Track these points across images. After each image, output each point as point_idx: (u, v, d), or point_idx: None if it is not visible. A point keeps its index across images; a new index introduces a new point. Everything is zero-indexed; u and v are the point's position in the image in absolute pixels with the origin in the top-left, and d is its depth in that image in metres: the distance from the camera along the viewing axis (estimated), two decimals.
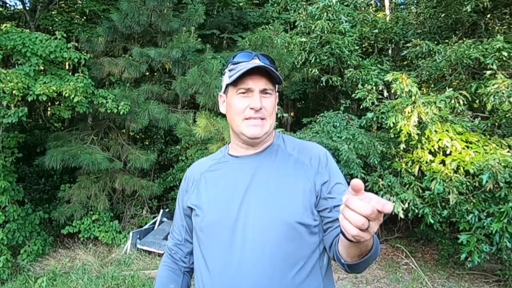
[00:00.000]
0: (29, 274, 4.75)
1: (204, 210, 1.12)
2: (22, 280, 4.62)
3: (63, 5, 7.40)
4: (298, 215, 1.02)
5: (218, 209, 1.09)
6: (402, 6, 9.32)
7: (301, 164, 1.12)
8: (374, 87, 5.14)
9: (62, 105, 5.58)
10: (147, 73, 6.42)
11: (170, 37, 5.75)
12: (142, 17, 5.64)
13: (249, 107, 1.08)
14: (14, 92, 4.86)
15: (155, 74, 6.49)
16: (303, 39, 5.89)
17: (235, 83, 1.10)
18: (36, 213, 5.35)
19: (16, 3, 7.37)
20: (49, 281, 4.57)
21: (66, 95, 5.07)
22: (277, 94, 1.20)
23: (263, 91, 1.09)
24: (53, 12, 7.12)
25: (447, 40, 5.57)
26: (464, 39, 5.25)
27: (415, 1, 7.47)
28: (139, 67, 5.71)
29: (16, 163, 5.47)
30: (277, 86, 1.17)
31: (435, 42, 5.62)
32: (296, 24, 6.45)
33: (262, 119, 1.09)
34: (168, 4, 5.94)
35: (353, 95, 5.36)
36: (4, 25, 5.86)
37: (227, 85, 1.14)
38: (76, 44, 5.86)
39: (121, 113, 5.33)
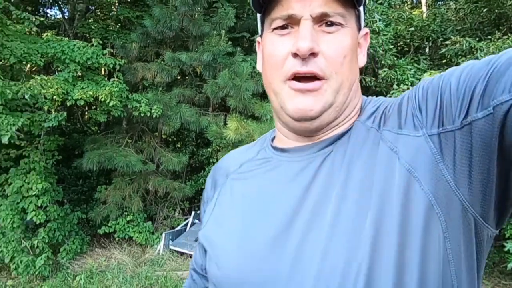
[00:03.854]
0: (68, 272, 5.00)
1: (219, 256, 0.66)
2: (61, 277, 4.87)
3: (99, 13, 7.78)
4: (404, 259, 0.50)
5: (246, 258, 0.61)
6: (440, 3, 9.01)
7: (380, 139, 0.58)
8: (411, 87, 5.00)
9: (98, 109, 5.84)
10: (179, 77, 6.59)
11: (201, 41, 5.88)
12: (173, 22, 5.80)
13: (292, 53, 0.58)
14: (54, 97, 5.13)
15: (187, 77, 6.66)
16: None
17: (268, 10, 0.61)
18: (75, 213, 5.64)
19: (56, 13, 7.82)
20: (86, 279, 4.79)
21: (102, 99, 5.29)
22: (364, 29, 0.67)
23: (321, 19, 0.58)
24: (89, 20, 7.48)
25: (489, 37, 5.32)
26: (509, 34, 4.99)
27: None
28: (171, 71, 5.88)
29: (56, 165, 5.78)
30: (359, 9, 0.63)
31: (477, 39, 5.38)
32: None
33: (317, 78, 0.58)
34: (199, 8, 6.08)
35: (388, 95, 5.24)
36: (45, 34, 6.21)
37: (262, 18, 0.66)
38: (111, 50, 6.12)
39: (154, 116, 5.50)
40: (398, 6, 7.85)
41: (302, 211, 0.58)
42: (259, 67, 0.71)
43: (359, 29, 0.65)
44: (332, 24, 0.58)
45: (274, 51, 0.61)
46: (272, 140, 0.73)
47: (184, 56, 5.56)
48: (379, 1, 6.78)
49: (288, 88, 0.60)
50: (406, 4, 9.16)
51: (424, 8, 7.73)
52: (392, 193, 0.53)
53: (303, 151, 0.64)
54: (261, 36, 0.68)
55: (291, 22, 0.59)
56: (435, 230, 0.51)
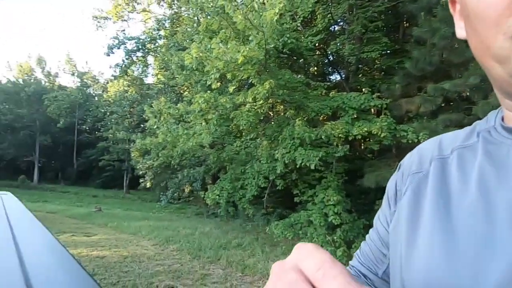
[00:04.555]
0: None
1: (418, 269, 0.36)
2: None
3: (366, 68, 8.14)
4: None
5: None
6: None
7: None
8: None
9: (371, 140, 5.97)
10: (443, 105, 5.73)
11: (465, 67, 4.90)
12: (433, 57, 5.20)
13: None
14: (340, 135, 5.71)
15: (451, 103, 5.68)
16: None
17: None
18: (360, 220, 5.86)
19: (335, 77, 8.84)
20: None
21: (374, 132, 5.39)
22: None
23: None
24: (359, 76, 7.94)
25: None
26: None
27: None
28: (434, 101, 5.22)
29: (344, 183, 6.26)
30: None
31: None
32: None
33: None
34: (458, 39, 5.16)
35: None
36: (331, 93, 7.13)
37: None
38: (379, 94, 6.17)
39: (421, 141, 4.99)
40: None
41: None
42: (460, 34, 0.38)
43: None
44: None
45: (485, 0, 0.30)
46: (502, 119, 0.39)
47: (447, 84, 4.82)
48: None
49: None
50: None
51: None
52: None
53: None
54: None
55: None
56: None
